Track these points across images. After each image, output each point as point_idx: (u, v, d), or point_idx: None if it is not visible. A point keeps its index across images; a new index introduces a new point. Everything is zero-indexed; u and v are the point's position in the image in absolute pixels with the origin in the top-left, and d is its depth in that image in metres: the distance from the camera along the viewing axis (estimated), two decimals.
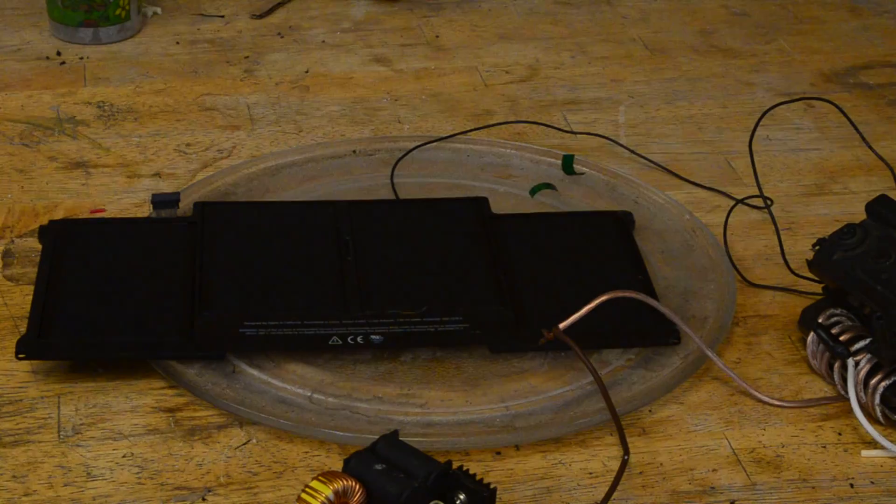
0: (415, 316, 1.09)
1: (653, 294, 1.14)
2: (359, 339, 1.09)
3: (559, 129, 1.44)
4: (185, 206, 1.25)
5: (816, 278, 1.12)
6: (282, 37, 1.63)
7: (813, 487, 1.01)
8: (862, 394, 1.05)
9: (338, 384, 1.08)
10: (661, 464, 1.03)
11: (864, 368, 1.05)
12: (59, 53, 1.57)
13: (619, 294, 1.07)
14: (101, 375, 1.09)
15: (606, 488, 0.98)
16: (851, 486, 1.01)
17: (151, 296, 1.12)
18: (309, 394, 1.07)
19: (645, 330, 1.12)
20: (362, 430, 1.03)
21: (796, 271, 1.22)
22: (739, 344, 1.15)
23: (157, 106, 1.47)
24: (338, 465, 0.94)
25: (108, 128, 1.42)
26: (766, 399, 1.08)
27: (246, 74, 1.54)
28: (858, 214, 1.11)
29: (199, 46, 1.60)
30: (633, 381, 1.09)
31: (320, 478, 0.90)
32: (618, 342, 1.12)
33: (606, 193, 1.32)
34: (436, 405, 1.07)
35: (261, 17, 1.68)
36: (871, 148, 1.30)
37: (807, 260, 1.11)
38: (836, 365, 1.08)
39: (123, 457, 1.01)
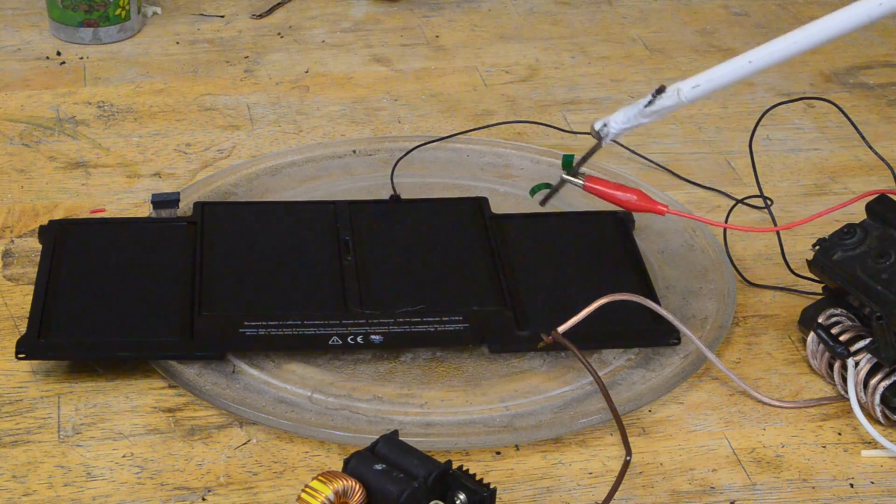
0: (415, 316, 1.09)
1: (653, 294, 1.14)
2: (359, 339, 1.09)
3: (559, 129, 1.44)
4: (185, 206, 1.25)
5: (816, 278, 1.12)
6: (282, 37, 1.63)
7: (813, 487, 1.01)
8: (862, 394, 1.05)
9: (338, 384, 1.08)
10: (662, 464, 1.03)
11: (864, 368, 1.05)
12: (59, 53, 1.57)
13: (618, 297, 1.07)
14: (101, 375, 1.09)
15: (606, 488, 0.98)
16: (851, 486, 1.01)
17: (151, 296, 1.12)
18: (309, 394, 1.07)
19: (645, 330, 1.12)
20: (362, 430, 1.03)
21: (796, 271, 1.22)
22: (739, 344, 1.15)
23: (157, 106, 1.47)
24: (338, 465, 0.94)
25: (108, 128, 1.42)
26: (766, 399, 1.08)
27: (246, 74, 1.54)
28: (858, 214, 1.11)
29: (199, 46, 1.60)
30: (633, 381, 1.09)
31: (320, 478, 0.90)
32: (618, 342, 1.12)
33: None
34: (436, 405, 1.07)
35: (261, 17, 1.68)
36: (871, 148, 1.30)
37: (807, 260, 1.11)
38: (836, 365, 1.08)
39: (123, 457, 1.01)
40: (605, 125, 1.05)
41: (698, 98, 1.03)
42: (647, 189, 1.31)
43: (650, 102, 1.02)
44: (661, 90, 1.02)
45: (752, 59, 1.02)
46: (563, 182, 1.08)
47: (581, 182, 1.08)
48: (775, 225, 1.27)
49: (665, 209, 1.08)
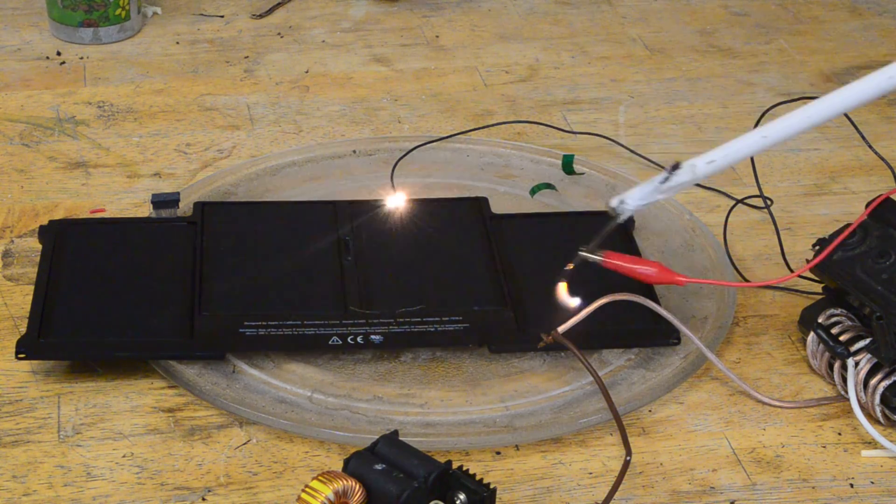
0: (415, 316, 1.09)
1: (653, 294, 1.14)
2: (359, 339, 1.09)
3: (559, 129, 1.44)
4: (185, 206, 1.25)
5: (816, 278, 1.12)
6: (282, 37, 1.63)
7: (813, 487, 1.01)
8: (862, 394, 1.05)
9: (338, 384, 1.08)
10: (662, 464, 1.03)
11: (864, 368, 1.05)
12: (59, 53, 1.57)
13: (618, 297, 1.07)
14: (101, 375, 1.09)
15: (606, 488, 0.98)
16: (851, 486, 1.01)
17: (151, 296, 1.12)
18: (309, 394, 1.07)
19: (645, 330, 1.12)
20: (362, 430, 1.03)
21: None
22: (739, 344, 1.15)
23: (157, 106, 1.47)
24: (338, 465, 0.94)
25: (108, 128, 1.42)
26: (766, 399, 1.08)
27: (246, 74, 1.54)
28: (858, 214, 1.11)
29: (199, 46, 1.60)
30: (633, 381, 1.09)
31: (320, 478, 0.90)
32: (618, 342, 1.12)
33: (606, 193, 1.32)
34: (436, 405, 1.07)
35: (261, 17, 1.68)
36: (871, 148, 1.30)
37: (807, 260, 1.11)
38: (836, 365, 1.08)
39: (123, 457, 1.01)
40: (621, 202, 1.05)
41: (713, 174, 1.04)
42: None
43: (666, 179, 1.03)
44: (676, 166, 1.02)
45: (767, 133, 1.04)
46: (580, 259, 1.08)
47: (600, 259, 1.08)
48: (775, 225, 1.27)
49: (684, 280, 1.09)
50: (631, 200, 1.05)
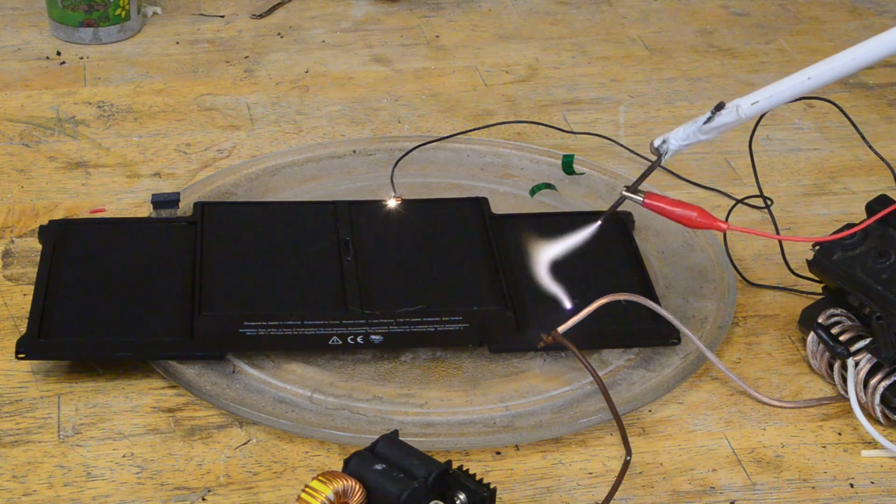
0: (415, 316, 1.09)
1: (653, 294, 1.14)
2: (359, 339, 1.09)
3: (559, 129, 1.44)
4: (185, 206, 1.25)
5: (816, 278, 1.12)
6: (282, 37, 1.63)
7: (813, 487, 1.01)
8: (862, 394, 1.05)
9: (338, 384, 1.08)
10: (662, 464, 1.03)
11: (864, 368, 1.05)
12: (59, 53, 1.57)
13: (618, 297, 1.07)
14: (101, 375, 1.09)
15: (606, 488, 0.98)
16: (851, 486, 1.01)
17: (151, 296, 1.12)
18: (309, 394, 1.07)
19: (645, 330, 1.12)
20: (362, 430, 1.03)
21: (796, 271, 1.22)
22: (739, 344, 1.15)
23: (157, 106, 1.47)
24: (338, 465, 0.94)
25: (108, 128, 1.42)
26: (766, 399, 1.08)
27: (246, 74, 1.54)
28: (858, 214, 1.11)
29: (199, 46, 1.60)
30: (633, 381, 1.09)
31: (320, 478, 0.90)
32: (618, 342, 1.12)
33: (606, 193, 1.32)
34: (436, 405, 1.07)
35: (261, 17, 1.68)
36: (871, 148, 1.30)
37: (807, 260, 1.11)
38: (836, 365, 1.08)
39: (123, 457, 1.01)
40: (664, 142, 1.05)
41: (757, 115, 1.04)
42: (647, 189, 1.31)
43: (709, 119, 1.03)
44: (719, 107, 1.02)
45: (812, 75, 1.03)
46: (622, 199, 1.08)
47: (640, 199, 1.08)
48: (775, 225, 1.27)
49: (725, 226, 1.08)
50: (674, 140, 1.05)
